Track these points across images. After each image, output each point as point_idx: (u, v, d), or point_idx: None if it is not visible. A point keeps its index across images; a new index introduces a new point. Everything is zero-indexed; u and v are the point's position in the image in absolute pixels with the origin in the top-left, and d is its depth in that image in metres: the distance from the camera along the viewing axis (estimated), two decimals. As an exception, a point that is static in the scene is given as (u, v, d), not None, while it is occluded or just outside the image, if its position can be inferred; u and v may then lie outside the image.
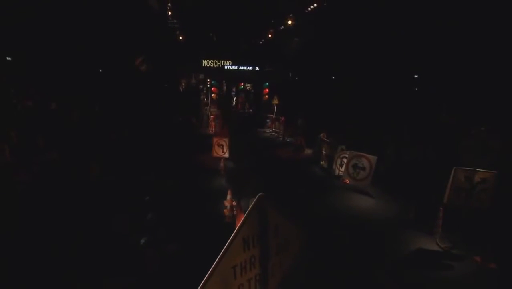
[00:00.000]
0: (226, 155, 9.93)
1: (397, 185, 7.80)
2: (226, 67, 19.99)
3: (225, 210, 6.53)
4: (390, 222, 6.39)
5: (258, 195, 1.54)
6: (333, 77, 26.03)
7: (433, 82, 15.59)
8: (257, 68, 19.56)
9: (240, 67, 19.46)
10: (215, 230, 5.57)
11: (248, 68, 19.32)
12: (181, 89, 29.19)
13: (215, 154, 10.03)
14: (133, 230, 4.05)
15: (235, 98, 26.47)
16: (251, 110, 21.22)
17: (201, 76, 32.60)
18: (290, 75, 30.49)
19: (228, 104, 19.01)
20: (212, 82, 16.63)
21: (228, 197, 6.85)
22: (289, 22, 21.40)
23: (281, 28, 22.93)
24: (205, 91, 30.03)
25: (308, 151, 11.67)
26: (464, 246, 5.17)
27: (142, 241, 3.91)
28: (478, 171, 4.97)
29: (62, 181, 4.72)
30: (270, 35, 25.68)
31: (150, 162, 7.40)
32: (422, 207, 6.20)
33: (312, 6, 17.52)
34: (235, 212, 6.36)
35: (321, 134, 10.27)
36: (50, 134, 5.98)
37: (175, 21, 23.88)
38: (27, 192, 4.37)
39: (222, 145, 9.94)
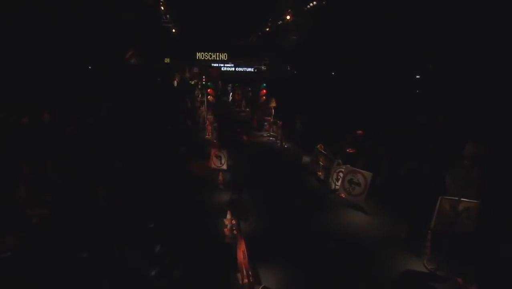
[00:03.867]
0: (225, 167, 10.50)
1: (392, 200, 8.45)
2: (223, 69, 20.32)
3: (225, 230, 7.13)
4: (382, 241, 7.02)
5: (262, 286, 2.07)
6: (332, 73, 26.43)
7: (437, 84, 15.70)
8: (254, 70, 20.00)
9: (237, 68, 19.86)
10: (217, 252, 6.23)
11: (245, 69, 19.75)
12: (175, 84, 29.42)
13: (213, 166, 10.62)
14: (143, 263, 4.62)
15: (231, 94, 26.88)
16: (248, 109, 21.67)
17: (195, 69, 32.85)
18: (289, 68, 30.87)
19: (225, 111, 19.40)
20: (208, 83, 16.98)
21: (228, 216, 7.45)
22: (288, 17, 21.75)
23: (279, 23, 23.26)
24: (199, 86, 30.31)
25: (306, 159, 12.25)
26: (449, 269, 5.85)
27: (153, 273, 4.49)
28: (462, 200, 5.61)
29: (72, 210, 5.24)
30: (267, 29, 26.00)
31: (150, 180, 7.92)
32: (413, 227, 6.86)
33: (311, 4, 17.83)
34: (234, 232, 7.01)
35: (318, 146, 10.85)
36: (54, 157, 6.45)
37: (168, 16, 24.00)
38: (42, 225, 4.89)
39: (220, 157, 10.52)
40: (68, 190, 5.71)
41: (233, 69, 21.88)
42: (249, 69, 21.64)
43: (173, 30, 27.89)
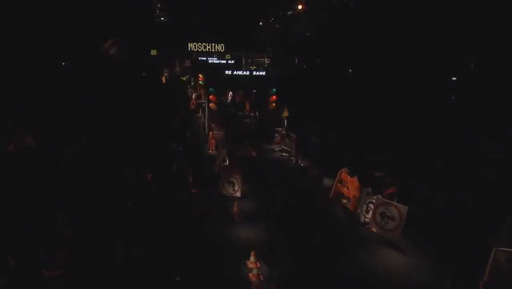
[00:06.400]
0: (238, 194, 10.76)
1: (432, 237, 8.56)
2: (226, 72, 20.55)
3: (250, 275, 7.35)
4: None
5: None
6: (350, 70, 26.51)
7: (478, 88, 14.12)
8: (262, 73, 20.32)
9: (242, 72, 20.15)
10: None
11: (255, 73, 20.05)
12: (164, 80, 29.23)
13: (224, 192, 10.85)
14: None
15: (230, 93, 26.90)
16: (252, 115, 21.92)
17: (187, 63, 32.69)
18: (296, 61, 31.08)
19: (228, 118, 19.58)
20: (210, 89, 17.10)
21: (252, 258, 7.71)
22: (299, 7, 22.11)
23: (289, 13, 23.59)
24: (192, 83, 30.27)
25: (327, 182, 12.51)
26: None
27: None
28: (520, 252, 5.98)
29: (90, 269, 5.44)
30: (272, 17, 26.34)
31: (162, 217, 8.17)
32: (459, 275, 7.14)
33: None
34: (261, 277, 7.26)
35: (343, 170, 11.14)
36: (59, 201, 6.62)
37: (159, 5, 24.03)
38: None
39: (233, 183, 10.79)
40: (83, 246, 5.90)
41: (240, 73, 22.06)
42: (256, 73, 21.89)
43: (162, 18, 27.80)
